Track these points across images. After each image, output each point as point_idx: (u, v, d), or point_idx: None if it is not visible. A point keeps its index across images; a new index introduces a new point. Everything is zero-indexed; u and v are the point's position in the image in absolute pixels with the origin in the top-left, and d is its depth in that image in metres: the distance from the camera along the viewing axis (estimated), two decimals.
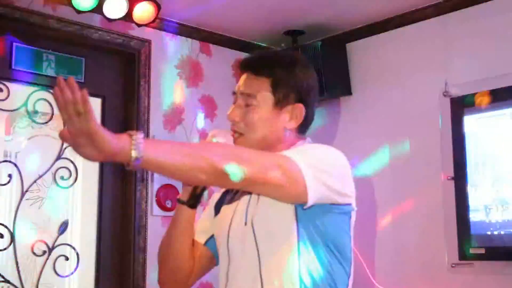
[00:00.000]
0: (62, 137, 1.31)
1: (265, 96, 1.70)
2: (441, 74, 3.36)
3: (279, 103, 1.71)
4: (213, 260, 1.83)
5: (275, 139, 1.72)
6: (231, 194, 1.81)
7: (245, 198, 1.71)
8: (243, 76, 1.76)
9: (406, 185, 3.48)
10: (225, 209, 1.79)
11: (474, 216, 3.17)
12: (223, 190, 1.87)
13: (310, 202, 1.54)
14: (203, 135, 3.76)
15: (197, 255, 1.83)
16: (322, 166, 1.58)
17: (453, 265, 3.21)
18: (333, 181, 1.59)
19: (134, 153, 1.31)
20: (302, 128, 1.77)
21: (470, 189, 3.20)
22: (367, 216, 3.48)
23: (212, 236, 1.83)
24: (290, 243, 1.60)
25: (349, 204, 1.67)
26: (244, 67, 1.77)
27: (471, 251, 3.14)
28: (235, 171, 1.41)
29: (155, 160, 1.35)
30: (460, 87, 3.30)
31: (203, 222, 1.87)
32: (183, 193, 1.77)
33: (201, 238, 1.84)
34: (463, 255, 3.17)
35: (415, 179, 3.44)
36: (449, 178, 3.27)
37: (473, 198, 3.19)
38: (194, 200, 1.75)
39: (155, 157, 1.35)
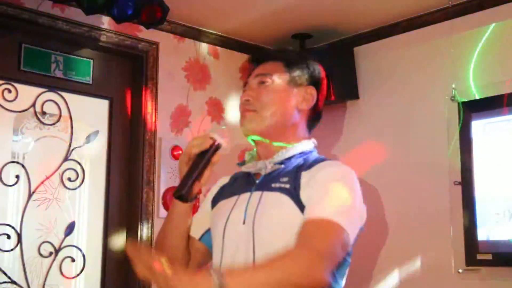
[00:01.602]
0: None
1: (279, 75, 1.76)
2: (448, 78, 3.36)
3: (293, 82, 1.77)
4: (209, 254, 1.80)
5: (286, 118, 1.74)
6: (230, 188, 1.81)
7: (246, 195, 1.71)
8: (255, 69, 1.81)
9: (413, 190, 3.47)
10: (223, 203, 1.78)
11: (481, 221, 3.16)
12: (220, 184, 1.88)
13: (352, 243, 1.61)
14: None
15: (192, 249, 1.82)
16: (350, 205, 1.62)
17: (460, 271, 3.20)
18: (358, 214, 1.65)
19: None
20: (311, 119, 1.81)
21: (477, 195, 3.19)
22: (373, 221, 3.46)
23: (207, 231, 1.82)
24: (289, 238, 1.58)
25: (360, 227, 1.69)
26: (257, 57, 1.83)
27: (478, 257, 3.13)
28: None
29: None
30: (467, 92, 3.29)
31: (199, 217, 1.86)
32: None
33: (196, 233, 1.82)
34: (470, 261, 3.16)
35: (422, 184, 3.44)
36: (456, 183, 3.26)
37: (480, 203, 3.18)
38: (185, 192, 1.70)
39: None
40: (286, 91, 1.75)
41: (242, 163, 1.82)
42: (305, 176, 1.65)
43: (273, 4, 3.47)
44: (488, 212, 3.15)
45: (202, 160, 1.67)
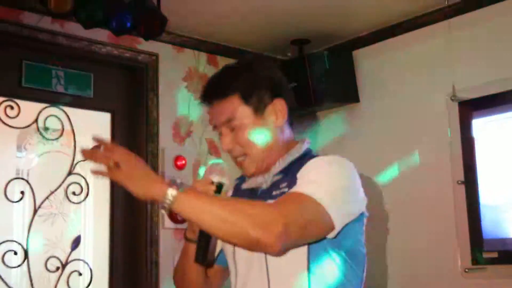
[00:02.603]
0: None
1: (242, 111, 1.67)
2: (448, 78, 3.36)
3: (259, 109, 1.68)
4: (227, 271, 1.82)
5: (274, 142, 1.71)
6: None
7: None
8: (212, 109, 1.72)
9: (417, 190, 3.47)
10: None
11: (486, 220, 3.16)
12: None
13: (338, 229, 1.56)
14: (211, 145, 3.78)
15: (211, 273, 1.84)
16: (338, 186, 1.58)
17: (466, 270, 3.20)
18: (351, 197, 1.61)
19: (167, 207, 1.46)
20: (290, 119, 1.75)
21: (481, 193, 3.19)
22: (378, 222, 3.48)
23: (221, 251, 1.83)
24: (301, 257, 1.59)
25: (362, 211, 1.67)
26: (207, 98, 1.73)
27: (484, 255, 3.14)
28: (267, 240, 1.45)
29: (187, 216, 1.50)
30: (467, 91, 3.30)
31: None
32: (189, 231, 1.76)
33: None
34: (476, 260, 3.17)
35: (425, 184, 3.44)
36: (459, 182, 3.27)
37: (484, 201, 3.18)
38: (201, 257, 1.68)
39: (188, 215, 1.49)
40: (258, 122, 1.68)
41: (242, 178, 1.82)
42: (300, 173, 1.63)
43: (270, 11, 3.48)
44: (492, 211, 3.15)
45: None
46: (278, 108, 1.70)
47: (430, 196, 3.41)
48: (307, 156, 1.72)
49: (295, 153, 1.72)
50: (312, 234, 1.54)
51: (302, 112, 3.92)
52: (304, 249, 1.58)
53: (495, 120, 3.25)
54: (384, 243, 3.55)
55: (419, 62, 3.59)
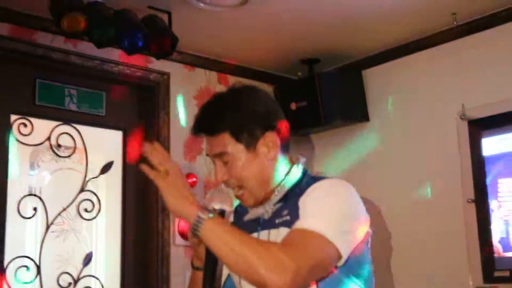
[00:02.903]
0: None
1: (234, 148, 1.69)
2: (457, 97, 3.38)
3: (250, 145, 1.69)
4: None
5: (269, 174, 1.72)
6: (246, 229, 1.77)
7: (253, 236, 1.70)
8: (205, 140, 1.75)
9: (427, 209, 3.47)
10: None
11: (497, 238, 3.15)
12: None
13: (345, 257, 1.58)
14: None
15: None
16: (339, 215, 1.59)
17: None
18: (353, 223, 1.62)
19: (193, 229, 1.53)
20: (284, 148, 1.75)
21: (492, 211, 3.19)
22: (389, 241, 3.47)
23: (228, 276, 1.82)
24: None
25: (367, 232, 1.69)
26: (198, 133, 1.75)
27: (495, 274, 3.12)
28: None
29: (208, 243, 1.54)
30: (477, 110, 3.32)
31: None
32: (196, 259, 1.76)
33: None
34: (488, 278, 3.15)
35: (436, 203, 3.44)
36: (469, 201, 3.27)
37: (495, 220, 3.18)
38: (208, 285, 1.68)
39: (209, 241, 1.53)
40: (251, 157, 1.69)
41: (242, 208, 1.82)
42: (301, 202, 1.64)
43: (281, 31, 3.52)
44: (503, 229, 3.15)
45: None
46: (269, 141, 1.71)
47: (441, 215, 3.41)
48: (304, 179, 1.73)
49: (292, 179, 1.74)
50: (322, 270, 1.57)
51: (312, 131, 3.95)
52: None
53: (505, 139, 3.25)
54: (395, 262, 3.54)
55: (429, 81, 3.61)
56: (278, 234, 1.65)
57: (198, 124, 1.75)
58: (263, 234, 1.70)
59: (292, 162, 1.77)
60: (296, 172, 1.75)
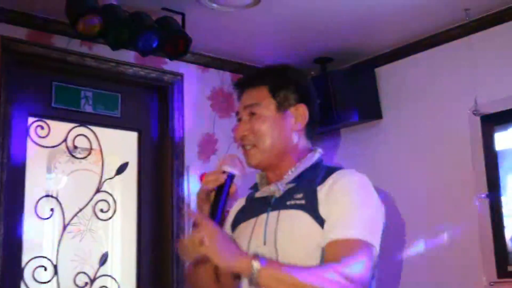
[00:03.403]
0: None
1: (267, 102, 1.76)
2: (470, 93, 3.38)
3: (281, 106, 1.76)
4: (238, 276, 1.80)
5: (285, 143, 1.76)
6: (247, 210, 1.84)
7: (263, 216, 1.73)
8: (242, 98, 1.82)
9: (440, 205, 3.47)
10: (243, 226, 1.80)
11: (510, 233, 3.14)
12: (236, 208, 1.90)
13: (378, 251, 1.65)
14: None
15: (223, 278, 1.83)
16: (369, 215, 1.65)
17: (492, 283, 3.17)
18: (380, 220, 1.68)
19: (251, 280, 1.52)
20: (309, 130, 1.81)
21: (505, 207, 3.19)
22: (402, 237, 3.48)
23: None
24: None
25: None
26: (240, 85, 1.84)
27: (509, 268, 3.12)
28: None
29: (266, 286, 1.53)
30: (489, 105, 3.31)
31: None
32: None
33: None
34: (502, 273, 3.14)
35: (449, 198, 3.44)
36: (483, 196, 3.26)
37: (509, 215, 3.17)
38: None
39: (267, 285, 1.52)
40: (278, 118, 1.75)
41: (255, 187, 1.85)
42: (321, 190, 1.67)
43: (294, 31, 3.55)
44: None
45: (221, 195, 1.69)
46: (299, 113, 1.77)
47: (454, 211, 3.41)
48: (321, 167, 1.76)
49: (307, 162, 1.77)
50: (372, 272, 1.62)
51: (325, 129, 3.96)
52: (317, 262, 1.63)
53: None
54: (408, 258, 3.54)
55: (441, 77, 3.61)
56: (290, 215, 1.67)
57: (243, 78, 1.88)
58: (273, 215, 1.71)
59: (310, 150, 1.82)
60: (312, 157, 1.79)
